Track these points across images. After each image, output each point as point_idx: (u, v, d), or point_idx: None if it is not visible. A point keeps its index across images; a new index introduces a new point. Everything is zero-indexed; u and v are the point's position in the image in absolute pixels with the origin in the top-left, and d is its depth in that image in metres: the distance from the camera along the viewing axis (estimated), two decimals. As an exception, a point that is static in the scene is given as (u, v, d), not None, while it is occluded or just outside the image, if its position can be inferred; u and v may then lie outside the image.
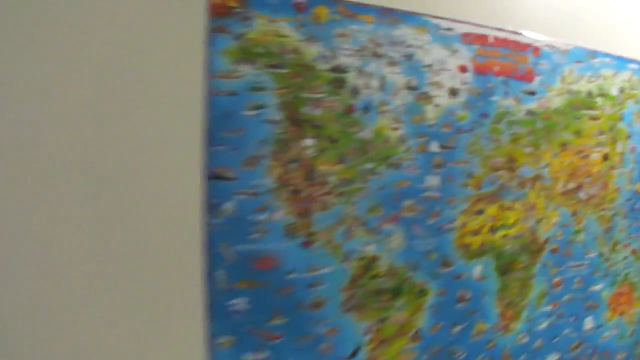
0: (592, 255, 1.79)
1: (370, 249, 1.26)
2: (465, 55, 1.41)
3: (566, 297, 1.71)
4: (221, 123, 1.08)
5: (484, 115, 1.44)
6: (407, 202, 1.31)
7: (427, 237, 1.34)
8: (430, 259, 1.35)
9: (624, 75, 1.90)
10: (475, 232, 1.43)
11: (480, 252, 1.45)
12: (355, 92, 1.24)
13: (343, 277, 1.23)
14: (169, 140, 1.05)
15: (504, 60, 1.49)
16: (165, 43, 1.05)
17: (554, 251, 1.65)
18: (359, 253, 1.25)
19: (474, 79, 1.43)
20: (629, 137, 1.91)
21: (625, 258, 1.94)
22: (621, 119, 1.88)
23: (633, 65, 1.95)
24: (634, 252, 1.97)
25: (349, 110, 1.23)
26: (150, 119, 1.04)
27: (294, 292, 1.16)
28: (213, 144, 1.07)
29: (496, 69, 1.47)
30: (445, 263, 1.38)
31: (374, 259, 1.27)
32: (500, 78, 1.48)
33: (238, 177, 1.09)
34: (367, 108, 1.25)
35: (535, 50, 1.58)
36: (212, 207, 1.07)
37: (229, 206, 1.08)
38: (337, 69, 1.22)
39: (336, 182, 1.21)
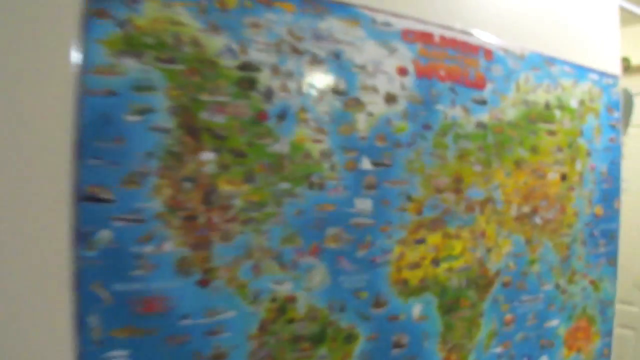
0: (547, 287, 1.67)
1: (286, 288, 1.10)
2: (405, 55, 1.27)
3: (519, 335, 1.58)
4: (96, 130, 0.91)
5: (427, 126, 1.30)
6: (332, 231, 1.15)
7: (356, 272, 1.18)
8: (360, 298, 1.19)
9: (584, 86, 1.82)
10: (415, 265, 1.28)
11: (420, 289, 1.30)
12: (268, 95, 1.07)
13: (251, 322, 1.06)
14: (28, 150, 0.88)
15: (451, 64, 1.36)
16: (29, 27, 0.87)
17: (505, 285, 1.52)
18: (271, 293, 1.08)
19: (415, 83, 1.28)
20: (588, 154, 1.82)
21: (584, 289, 1.84)
22: (581, 134, 1.79)
23: (593, 76, 1.87)
24: (592, 282, 1.88)
25: (260, 117, 1.06)
26: (4, 122, 0.85)
27: (189, 341, 1.00)
28: (85, 156, 0.90)
29: (442, 73, 1.33)
30: (378, 303, 1.22)
31: (289, 300, 1.10)
32: (447, 84, 1.34)
33: (117, 198, 0.93)
34: (283, 115, 1.08)
35: (487, 53, 1.45)
36: (83, 236, 0.90)
37: (105, 235, 0.92)
38: (247, 67, 1.05)
39: (242, 206, 1.04)
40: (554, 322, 1.72)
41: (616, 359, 2.26)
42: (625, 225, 3.06)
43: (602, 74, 1.92)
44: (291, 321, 1.11)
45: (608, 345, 2.02)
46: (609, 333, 2.01)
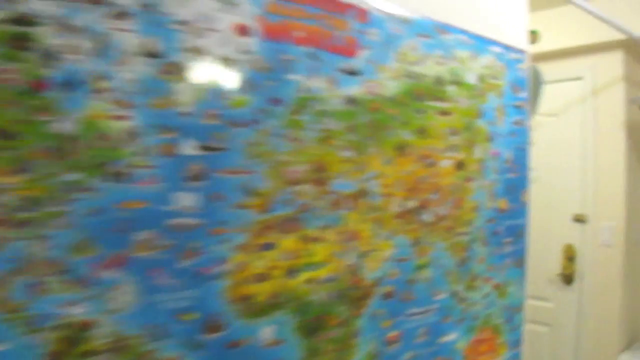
0: (442, 296, 1.61)
1: (79, 311, 0.94)
2: (247, 10, 1.14)
3: (407, 355, 1.51)
4: None
5: (276, 101, 1.17)
6: (143, 235, 1.00)
7: (180, 287, 1.04)
8: (187, 320, 1.05)
9: (485, 60, 1.77)
10: (262, 277, 1.15)
11: (271, 306, 1.18)
12: (50, 57, 0.91)
13: (31, 356, 0.90)
14: None
15: (312, 24, 1.24)
16: None
17: (387, 296, 1.43)
18: (58, 318, 0.92)
19: (261, 46, 1.15)
20: (490, 139, 1.78)
21: (486, 296, 1.80)
22: (480, 115, 1.74)
23: (496, 48, 1.82)
24: (496, 287, 1.85)
25: (37, 86, 0.90)
26: None
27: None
28: None
29: (299, 34, 1.21)
30: (213, 326, 1.09)
31: (85, 326, 0.95)
32: (305, 48, 1.23)
33: None
34: (70, 84, 0.92)
35: (361, 14, 1.35)
36: None
37: None
38: (20, 20, 0.88)
39: (14, 204, 0.87)
40: (451, 336, 1.67)
41: (531, 355, 2.31)
42: (538, 218, 3.20)
43: (507, 48, 1.89)
44: (89, 354, 0.96)
45: (517, 357, 2.00)
46: (517, 343, 2.00)
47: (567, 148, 3.19)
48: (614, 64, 3.00)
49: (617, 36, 2.74)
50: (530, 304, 3.23)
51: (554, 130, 3.26)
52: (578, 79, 3.15)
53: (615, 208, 2.98)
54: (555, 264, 3.19)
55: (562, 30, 3.08)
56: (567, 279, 3.12)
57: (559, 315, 3.19)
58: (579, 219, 3.11)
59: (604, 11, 2.31)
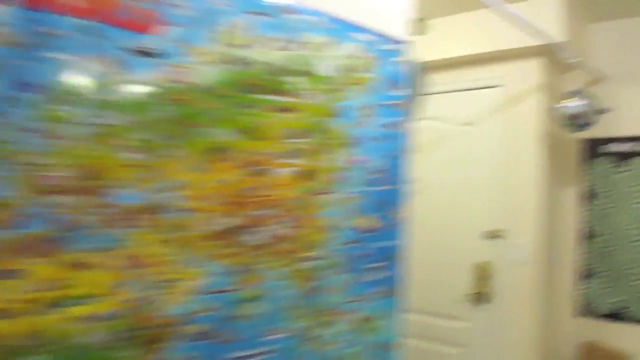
0: (279, 335, 1.56)
1: None
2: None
3: (228, 410, 1.44)
4: None
5: (27, 86, 1.08)
6: None
7: None
8: None
9: (347, 48, 1.74)
10: (2, 313, 1.06)
11: (16, 350, 1.08)
12: None
13: None
14: None
15: (90, -9, 1.17)
16: None
17: (198, 336, 1.36)
18: None
19: (8, 16, 1.06)
20: (349, 144, 1.75)
21: (346, 332, 1.77)
22: (336, 114, 1.71)
23: (363, 36, 1.81)
24: (361, 320, 1.82)
25: None
26: None
27: None
28: None
29: (69, 3, 1.13)
30: None
31: None
32: (77, 20, 1.14)
33: None
34: None
35: (166, -18, 1.29)
36: None
37: None
38: None
39: None
40: (294, 385, 1.62)
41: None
42: (444, 235, 3.30)
43: (380, 36, 1.87)
44: None
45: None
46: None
47: (482, 160, 3.30)
48: (532, 71, 3.13)
49: (536, 42, 2.84)
50: (440, 324, 3.33)
51: (469, 140, 3.35)
52: (495, 86, 3.27)
53: (531, 224, 3.09)
54: (467, 282, 3.29)
55: (478, 35, 3.18)
56: (479, 298, 3.23)
57: (473, 335, 3.30)
58: (494, 235, 3.20)
59: (522, 16, 2.37)
